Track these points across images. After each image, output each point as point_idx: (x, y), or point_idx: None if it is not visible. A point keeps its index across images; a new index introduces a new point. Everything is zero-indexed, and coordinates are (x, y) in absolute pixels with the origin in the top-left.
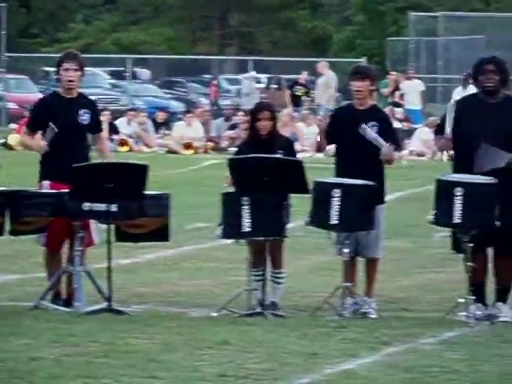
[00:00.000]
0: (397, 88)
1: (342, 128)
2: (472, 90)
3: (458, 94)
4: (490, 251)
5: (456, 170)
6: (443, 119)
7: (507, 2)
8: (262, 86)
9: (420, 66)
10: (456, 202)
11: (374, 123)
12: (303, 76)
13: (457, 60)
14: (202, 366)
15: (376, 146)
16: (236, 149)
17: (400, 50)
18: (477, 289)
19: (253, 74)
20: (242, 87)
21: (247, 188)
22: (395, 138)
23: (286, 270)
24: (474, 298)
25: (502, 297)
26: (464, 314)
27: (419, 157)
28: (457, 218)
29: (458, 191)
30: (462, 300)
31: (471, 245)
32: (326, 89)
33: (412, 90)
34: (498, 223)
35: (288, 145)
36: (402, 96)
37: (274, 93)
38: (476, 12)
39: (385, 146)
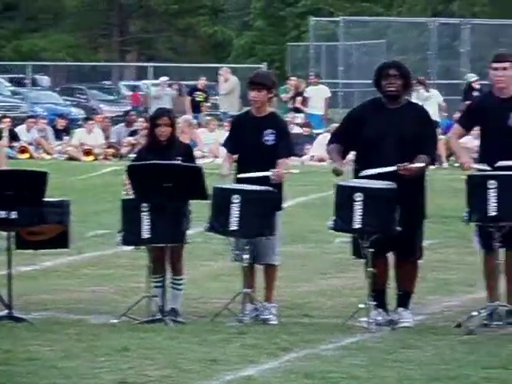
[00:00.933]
0: (298, 93)
1: (241, 136)
2: (434, 94)
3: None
4: (392, 257)
5: (357, 174)
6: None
7: (408, 6)
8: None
9: (321, 71)
10: (356, 207)
11: (271, 131)
12: (201, 82)
13: (357, 65)
14: (102, 372)
15: (275, 150)
16: (135, 155)
17: (300, 56)
18: (378, 294)
19: (164, 78)
20: (148, 92)
21: (146, 194)
22: (290, 147)
23: (186, 277)
24: (374, 303)
25: (403, 302)
26: (365, 319)
27: (320, 162)
28: (356, 223)
29: (358, 196)
30: (362, 305)
31: (371, 250)
32: (229, 95)
33: (317, 95)
34: (398, 228)
35: (187, 151)
36: (304, 101)
37: (175, 99)
38: (377, 17)
39: (271, 174)
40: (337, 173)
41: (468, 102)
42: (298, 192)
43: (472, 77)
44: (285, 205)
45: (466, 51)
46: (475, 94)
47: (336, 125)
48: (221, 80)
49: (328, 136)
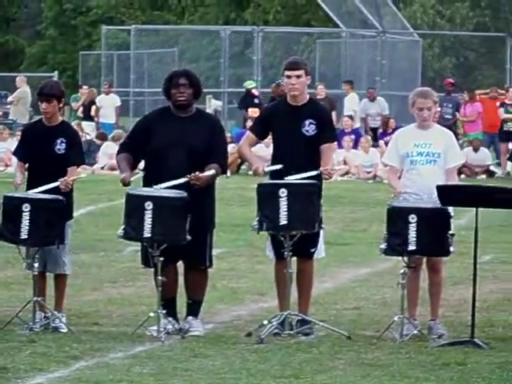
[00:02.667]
0: (91, 102)
1: (32, 144)
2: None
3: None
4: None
5: (146, 183)
6: None
7: (200, 14)
8: None
9: (113, 80)
10: (146, 216)
11: (62, 139)
12: None
13: (149, 74)
14: None
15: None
16: None
17: (92, 64)
18: (167, 303)
19: None
20: None
21: None
22: (80, 156)
23: None
24: (164, 312)
25: (193, 311)
26: (155, 328)
27: (112, 171)
28: (146, 232)
29: (148, 205)
30: (152, 314)
31: (161, 259)
32: (19, 103)
33: (108, 104)
34: (188, 237)
35: None
36: (97, 110)
37: None
38: (169, 25)
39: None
40: (124, 183)
41: (253, 109)
42: (87, 201)
43: (250, 84)
44: (75, 214)
45: (259, 59)
46: (256, 101)
47: (119, 132)
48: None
49: (112, 145)
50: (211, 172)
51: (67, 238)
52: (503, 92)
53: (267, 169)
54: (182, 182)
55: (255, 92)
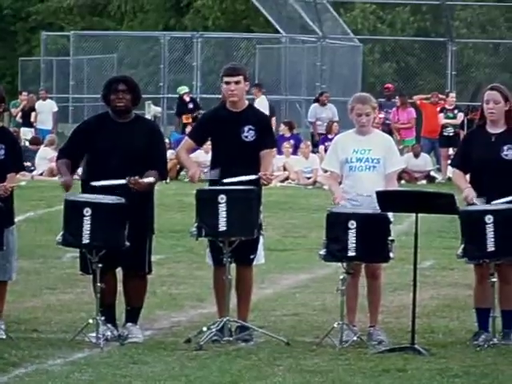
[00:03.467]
0: (31, 108)
1: None
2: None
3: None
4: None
5: (84, 189)
6: None
7: (140, 20)
8: None
9: (52, 86)
10: (85, 222)
11: (1, 145)
12: None
13: (88, 79)
14: None
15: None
16: None
17: (32, 70)
18: (106, 309)
19: None
20: None
21: None
22: (19, 162)
23: None
24: (103, 318)
25: (132, 317)
26: (93, 334)
27: (51, 177)
28: (85, 238)
29: (87, 211)
30: (91, 321)
31: (100, 265)
32: None
33: (45, 110)
34: (127, 243)
35: None
36: (36, 116)
37: None
38: (109, 31)
39: None
40: (66, 185)
41: (186, 116)
42: (26, 207)
43: (183, 89)
44: (16, 219)
45: (198, 65)
46: (190, 106)
47: (52, 136)
48: None
49: (48, 150)
50: (151, 179)
51: (12, 244)
52: (444, 97)
53: (205, 177)
54: (121, 184)
55: (187, 98)
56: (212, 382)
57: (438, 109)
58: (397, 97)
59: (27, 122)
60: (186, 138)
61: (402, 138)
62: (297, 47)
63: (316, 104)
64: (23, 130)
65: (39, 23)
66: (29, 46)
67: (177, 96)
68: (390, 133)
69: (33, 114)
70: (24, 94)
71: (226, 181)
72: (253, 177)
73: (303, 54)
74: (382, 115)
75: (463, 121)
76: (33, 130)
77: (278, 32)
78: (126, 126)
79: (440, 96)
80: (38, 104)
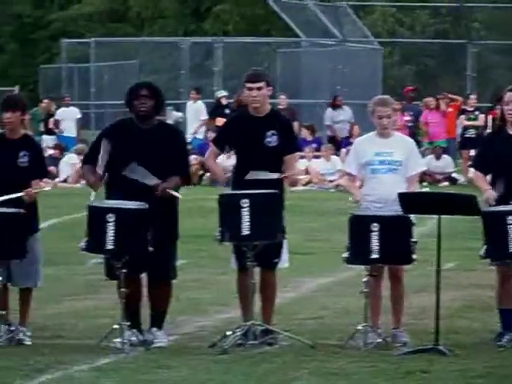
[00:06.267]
0: (49, 115)
1: None
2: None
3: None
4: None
5: (109, 194)
6: None
7: (160, 25)
8: None
9: (73, 93)
10: (108, 229)
11: (25, 152)
12: None
13: (109, 86)
14: None
15: (30, 172)
16: None
17: (52, 78)
18: (131, 315)
19: None
20: None
21: None
22: (44, 169)
23: None
24: (128, 323)
25: (156, 322)
26: (119, 340)
27: (76, 183)
28: (108, 244)
29: (110, 217)
30: (116, 326)
31: (124, 271)
32: None
33: (68, 117)
34: (150, 248)
35: None
36: (56, 123)
37: None
38: (128, 37)
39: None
40: (94, 186)
41: (219, 119)
42: (49, 214)
43: (221, 93)
44: (40, 226)
45: (219, 70)
46: (227, 111)
47: (82, 146)
48: None
49: (73, 156)
50: (176, 194)
51: (37, 251)
52: (455, 97)
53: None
54: (152, 184)
55: (224, 101)
56: None
57: (450, 109)
58: (430, 97)
59: (47, 130)
60: (211, 144)
61: (431, 140)
62: (317, 51)
63: (330, 108)
64: (44, 137)
65: (59, 31)
66: (49, 54)
67: None
68: (413, 135)
69: (50, 120)
70: (45, 101)
71: (248, 177)
72: (276, 175)
73: (323, 57)
74: (407, 117)
75: (486, 121)
76: (54, 137)
77: (297, 36)
78: (148, 131)
79: (451, 96)
80: (61, 111)
